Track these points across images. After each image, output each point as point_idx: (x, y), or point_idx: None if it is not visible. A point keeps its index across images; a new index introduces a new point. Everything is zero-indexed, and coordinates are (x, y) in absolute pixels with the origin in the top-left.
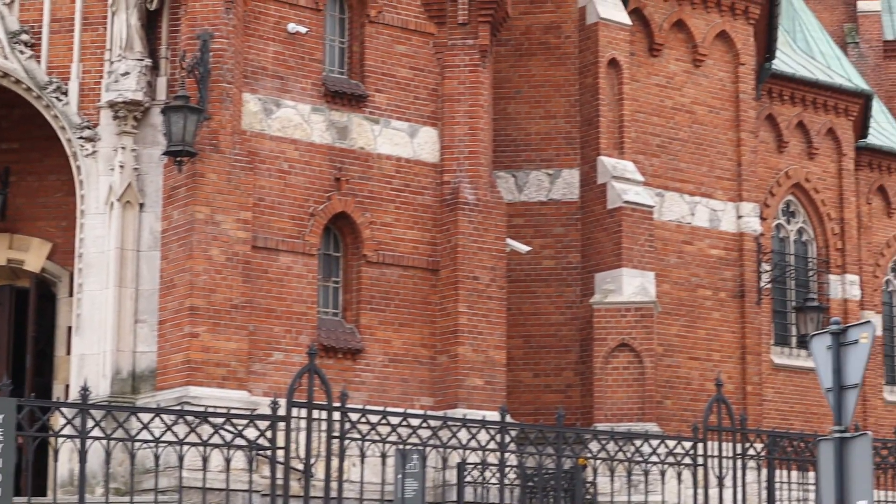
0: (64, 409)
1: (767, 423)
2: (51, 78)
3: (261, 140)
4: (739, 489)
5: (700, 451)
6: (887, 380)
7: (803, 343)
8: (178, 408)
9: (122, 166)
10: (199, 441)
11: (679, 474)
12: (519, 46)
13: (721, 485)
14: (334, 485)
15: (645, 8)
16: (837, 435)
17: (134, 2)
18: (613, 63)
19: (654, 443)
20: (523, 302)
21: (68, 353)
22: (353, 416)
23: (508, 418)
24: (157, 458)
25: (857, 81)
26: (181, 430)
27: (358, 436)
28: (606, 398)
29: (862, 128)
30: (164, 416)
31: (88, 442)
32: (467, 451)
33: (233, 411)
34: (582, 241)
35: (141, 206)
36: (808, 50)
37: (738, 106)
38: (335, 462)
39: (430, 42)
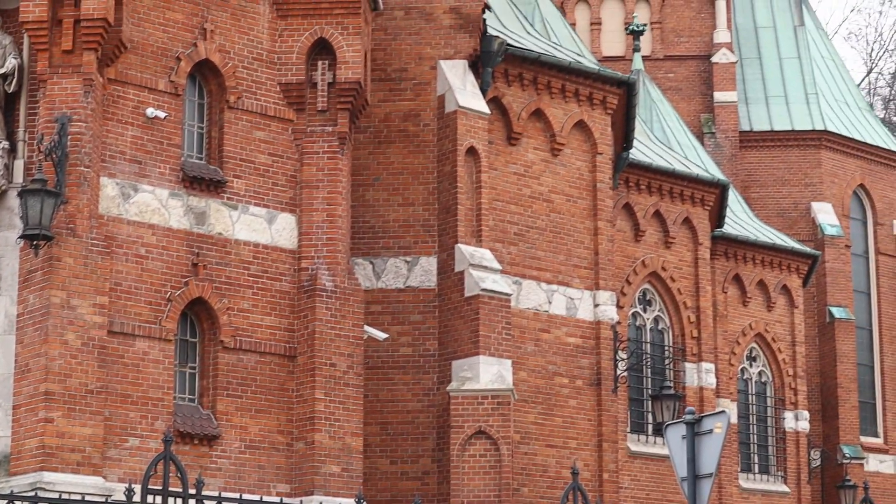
0: None
1: None
2: None
3: (118, 224)
4: None
5: None
6: (742, 467)
7: (659, 431)
8: (32, 494)
9: None
10: None
11: None
12: (378, 134)
13: None
14: None
15: (504, 97)
16: None
17: None
18: (472, 151)
19: None
20: (380, 389)
21: None
22: None
23: None
24: None
25: (714, 171)
26: None
27: None
28: (463, 485)
29: (718, 217)
30: (18, 503)
31: None
32: None
33: (87, 498)
34: (439, 329)
35: None
36: (665, 140)
37: (596, 195)
38: None
39: (290, 128)
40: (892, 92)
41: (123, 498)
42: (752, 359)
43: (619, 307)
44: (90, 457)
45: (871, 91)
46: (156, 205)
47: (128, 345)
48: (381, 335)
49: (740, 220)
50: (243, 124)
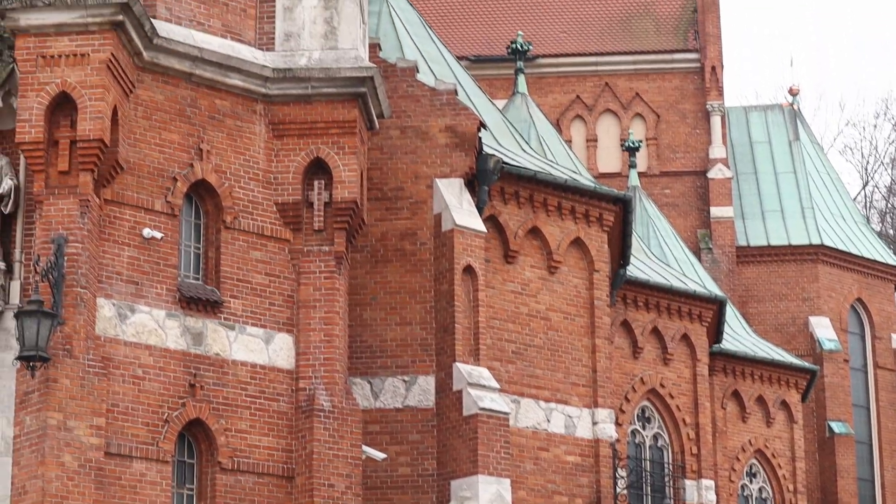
0: None
1: None
2: None
3: (115, 345)
4: None
5: None
6: None
7: None
8: None
9: None
10: None
11: None
12: (375, 253)
13: None
14: None
15: (500, 215)
16: None
17: None
18: (469, 270)
19: None
20: None
21: None
22: None
23: None
24: None
25: (711, 287)
26: None
27: None
28: None
29: (716, 333)
30: None
31: None
32: None
33: None
34: (438, 448)
35: None
36: (662, 256)
37: (594, 312)
38: None
39: (286, 248)
40: (889, 205)
41: None
42: (752, 475)
43: (617, 424)
44: None
45: (868, 205)
46: (153, 325)
47: (125, 466)
48: (379, 455)
49: (738, 336)
50: (240, 244)
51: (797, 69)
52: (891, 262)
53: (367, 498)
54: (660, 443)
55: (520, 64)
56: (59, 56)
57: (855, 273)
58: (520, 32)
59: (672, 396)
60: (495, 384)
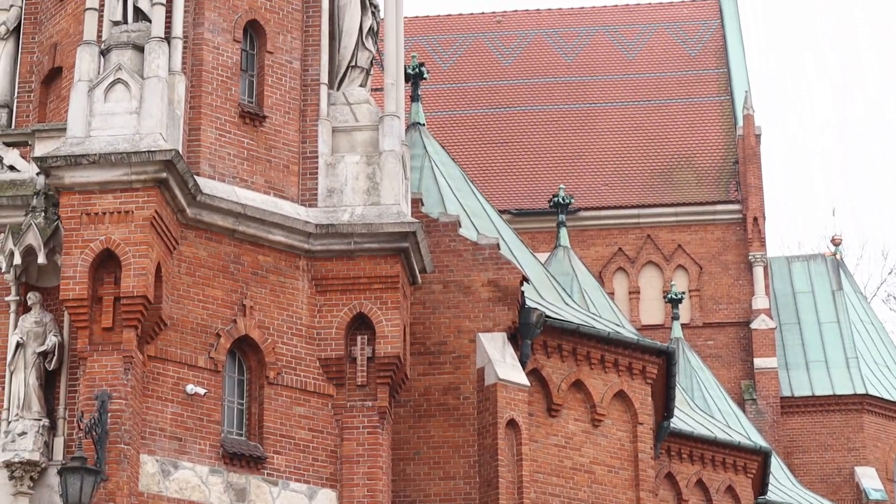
0: None
1: None
2: None
3: (158, 502)
4: None
5: None
6: None
7: None
8: None
9: None
10: None
11: None
12: (418, 407)
13: None
14: None
15: (543, 369)
16: None
17: (32, 361)
18: (512, 424)
19: None
20: None
21: None
22: None
23: None
24: None
25: (756, 438)
26: None
27: None
28: None
29: (761, 484)
30: None
31: None
32: None
33: None
34: None
35: None
36: (706, 407)
37: (638, 465)
38: None
39: (329, 403)
40: None
41: None
42: None
43: None
44: None
45: None
46: (196, 482)
47: None
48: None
49: (784, 487)
50: (283, 400)
51: (839, 218)
52: None
53: None
54: None
55: (562, 217)
56: (104, 213)
57: None
58: (561, 186)
59: None
60: None
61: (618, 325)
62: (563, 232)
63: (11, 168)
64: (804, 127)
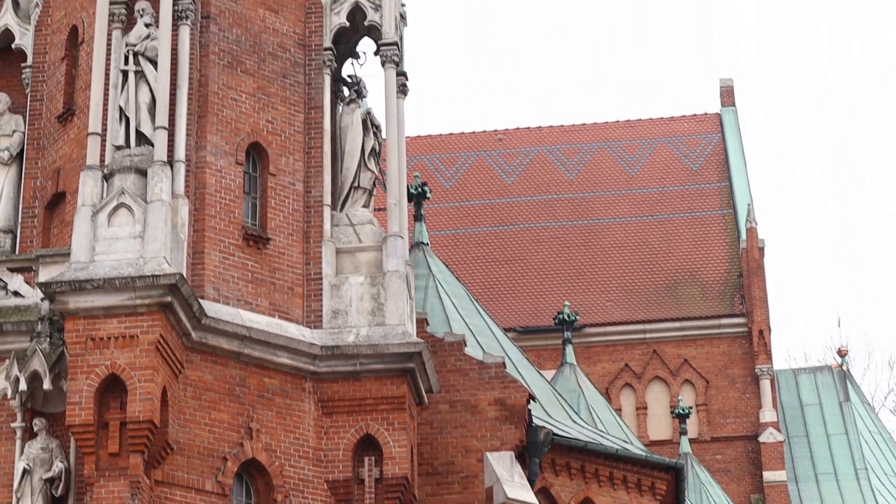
0: None
1: None
2: None
3: None
4: None
5: None
6: None
7: None
8: None
9: None
10: None
11: None
12: None
13: None
14: None
15: (552, 487)
16: None
17: (39, 488)
18: None
19: None
20: None
21: None
22: None
23: None
24: None
25: None
26: None
27: None
28: None
29: None
30: None
31: None
32: None
33: None
34: None
35: None
36: None
37: None
38: None
39: None
40: None
41: None
42: None
43: None
44: None
45: None
46: None
47: None
48: None
49: None
50: None
51: (845, 329)
52: None
53: None
54: None
55: (567, 334)
56: (109, 338)
57: None
58: (566, 303)
59: None
60: None
61: (626, 442)
62: (569, 349)
63: (16, 294)
64: (807, 236)
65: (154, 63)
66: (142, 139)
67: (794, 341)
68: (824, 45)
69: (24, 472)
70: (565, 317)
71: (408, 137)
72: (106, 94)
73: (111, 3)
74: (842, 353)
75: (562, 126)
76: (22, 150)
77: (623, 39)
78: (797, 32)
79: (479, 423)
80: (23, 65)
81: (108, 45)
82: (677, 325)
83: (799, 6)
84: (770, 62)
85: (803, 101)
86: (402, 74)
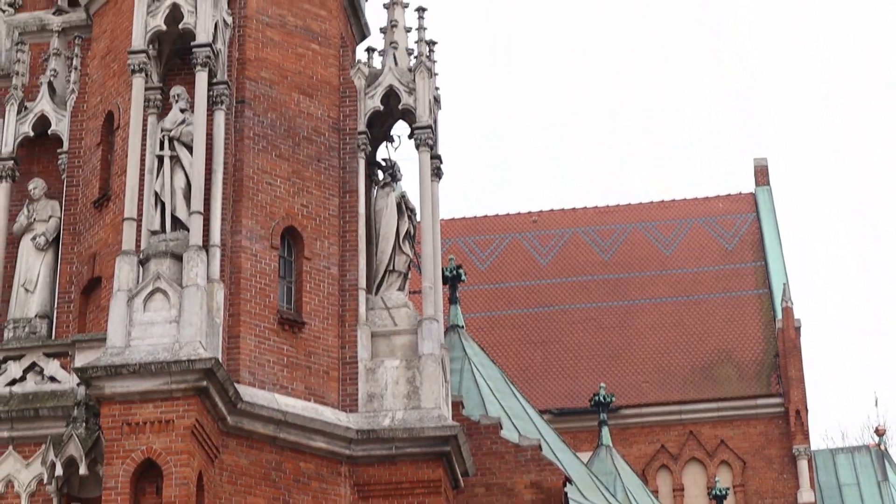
0: None
1: None
2: None
3: None
4: None
5: None
6: None
7: None
8: None
9: None
10: None
11: None
12: None
13: None
14: None
15: None
16: None
17: None
18: None
19: None
20: None
21: None
22: None
23: None
24: None
25: None
26: None
27: None
28: None
29: None
30: None
31: None
32: None
33: None
34: None
35: None
36: None
37: None
38: None
39: None
40: None
41: None
42: None
43: None
44: None
45: None
46: None
47: None
48: None
49: None
50: None
51: (882, 407)
52: None
53: None
54: None
55: (603, 416)
56: (144, 423)
57: None
58: (602, 384)
59: None
60: None
61: None
62: (605, 431)
63: (52, 379)
64: (842, 314)
65: (189, 148)
66: (177, 224)
67: (831, 421)
68: (859, 123)
69: None
70: (601, 398)
71: (442, 220)
72: (141, 180)
73: (147, 89)
74: (879, 433)
75: (596, 207)
76: (58, 235)
77: (657, 120)
78: (831, 111)
79: None
80: (59, 150)
81: (144, 130)
82: (714, 405)
83: (832, 86)
84: (804, 140)
85: (837, 179)
86: (436, 157)
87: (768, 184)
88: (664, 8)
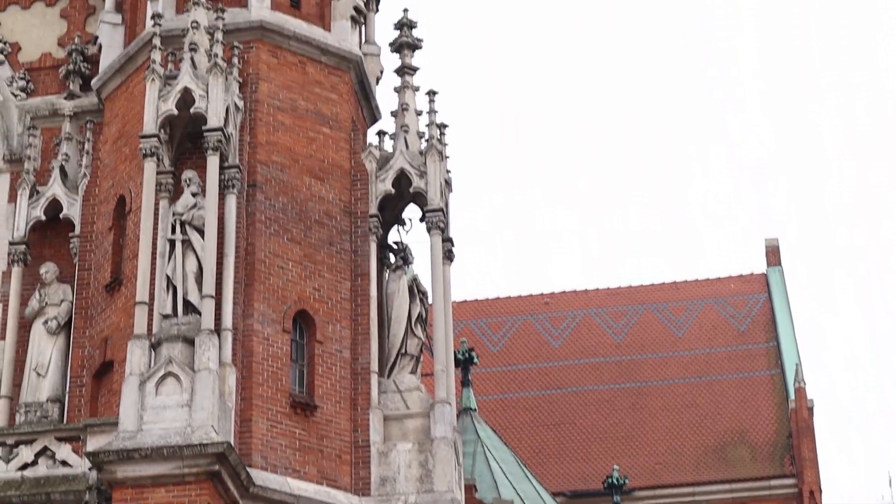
0: None
1: None
2: None
3: None
4: None
5: None
6: None
7: None
8: None
9: None
10: None
11: None
12: None
13: None
14: None
15: None
16: None
17: None
18: None
19: None
20: None
21: None
22: None
23: None
24: None
25: None
26: None
27: None
28: None
29: None
30: None
31: None
32: None
33: None
34: None
35: None
36: None
37: None
38: None
39: None
40: None
41: None
42: None
43: None
44: None
45: None
46: None
47: None
48: None
49: None
50: None
51: None
52: None
53: None
54: None
55: (617, 498)
56: None
57: None
58: (615, 466)
59: None
60: None
61: None
62: None
63: (64, 463)
64: (855, 393)
65: (201, 232)
66: (189, 308)
67: (845, 501)
68: (870, 202)
69: None
70: (615, 480)
71: (454, 302)
72: (153, 264)
73: (158, 173)
74: None
75: (608, 289)
76: (70, 319)
77: (667, 200)
78: (841, 189)
79: None
80: (71, 234)
81: (156, 214)
82: (727, 486)
83: (841, 164)
84: (815, 219)
85: (849, 258)
86: (447, 240)
87: (780, 264)
88: (673, 88)
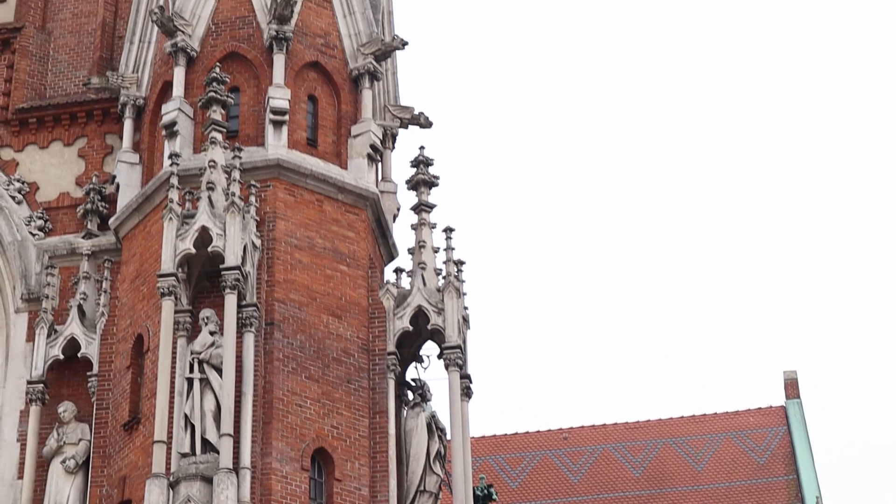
0: None
1: None
2: None
3: None
4: None
5: None
6: None
7: None
8: None
9: None
10: None
11: None
12: None
13: None
14: None
15: None
16: None
17: None
18: None
19: None
20: None
21: None
22: None
23: None
24: None
25: None
26: None
27: None
28: None
29: None
30: None
31: None
32: None
33: None
34: None
35: None
36: None
37: None
38: None
39: None
40: None
41: None
42: None
43: None
44: None
45: None
46: None
47: None
48: None
49: None
50: None
51: None
52: None
53: None
54: None
55: None
56: None
57: None
58: None
59: None
60: None
61: None
62: None
63: None
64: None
65: (219, 370)
66: (207, 446)
67: None
68: (889, 334)
69: None
70: None
71: (472, 438)
72: (171, 402)
73: (176, 312)
74: None
75: (626, 423)
76: (88, 458)
77: (685, 334)
78: (859, 321)
79: None
80: (88, 373)
81: (174, 353)
82: None
83: (859, 296)
84: (833, 351)
85: (867, 389)
86: (465, 377)
87: (798, 397)
88: (689, 224)
